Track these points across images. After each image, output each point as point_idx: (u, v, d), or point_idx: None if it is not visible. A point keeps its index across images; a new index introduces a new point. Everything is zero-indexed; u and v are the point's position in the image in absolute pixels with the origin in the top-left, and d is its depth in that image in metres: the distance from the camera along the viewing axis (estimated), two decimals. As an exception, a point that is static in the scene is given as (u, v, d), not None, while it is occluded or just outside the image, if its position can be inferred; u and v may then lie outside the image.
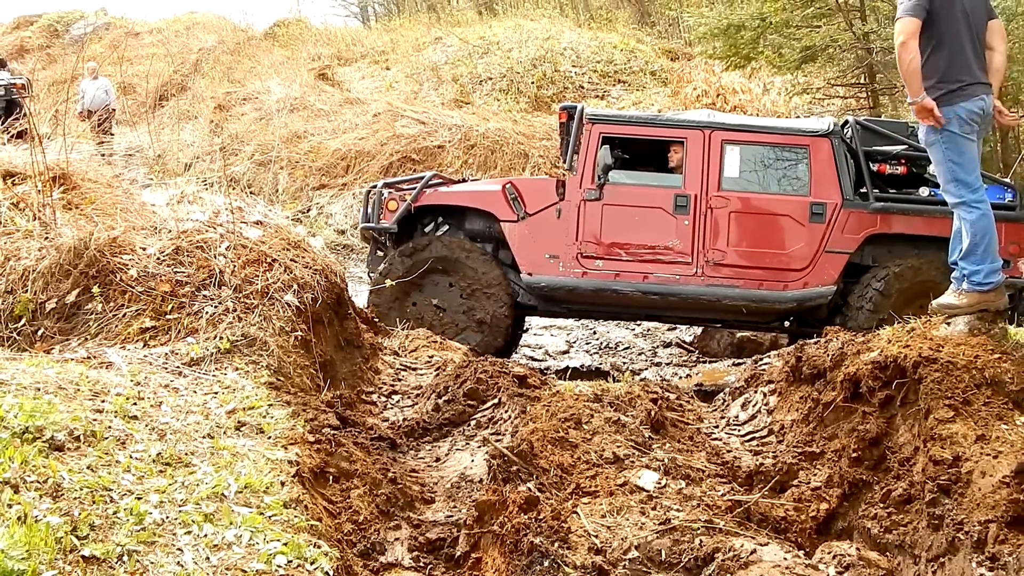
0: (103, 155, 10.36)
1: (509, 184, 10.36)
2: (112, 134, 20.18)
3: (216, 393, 5.66)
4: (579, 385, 7.29)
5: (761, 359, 8.30)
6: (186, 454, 4.73)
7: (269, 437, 5.23)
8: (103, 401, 5.03)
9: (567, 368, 10.64)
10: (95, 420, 4.73)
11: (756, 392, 7.23)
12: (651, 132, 10.28)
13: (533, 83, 20.87)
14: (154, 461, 4.55)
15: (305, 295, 6.80)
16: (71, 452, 4.40)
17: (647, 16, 28.77)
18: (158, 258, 6.69)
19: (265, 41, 29.69)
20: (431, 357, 8.42)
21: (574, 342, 11.98)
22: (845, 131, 10.14)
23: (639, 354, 12.10)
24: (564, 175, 10.34)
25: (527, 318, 11.30)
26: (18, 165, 7.75)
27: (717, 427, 6.99)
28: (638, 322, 12.41)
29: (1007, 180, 10.34)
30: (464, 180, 11.87)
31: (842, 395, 5.98)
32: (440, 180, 11.13)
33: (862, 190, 9.94)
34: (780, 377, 6.97)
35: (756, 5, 16.10)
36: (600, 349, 11.89)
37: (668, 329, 12.69)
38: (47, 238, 6.74)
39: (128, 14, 37.60)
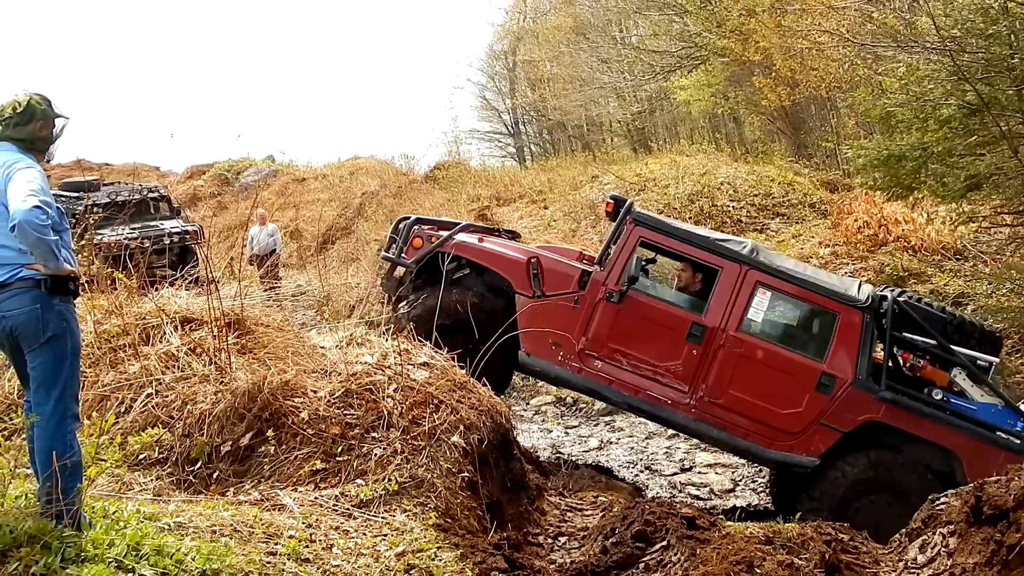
0: (273, 300, 10.65)
1: (535, 259, 10.07)
2: (279, 278, 20.81)
3: (385, 535, 5.70)
4: (749, 526, 7.12)
5: (937, 498, 7.99)
6: (357, 598, 4.76)
7: (438, 581, 5.24)
8: (276, 544, 5.12)
9: (734, 508, 10.40)
10: (269, 563, 4.80)
11: (934, 533, 6.93)
12: (689, 251, 9.91)
13: (691, 218, 20.84)
14: (327, 605, 4.60)
15: (471, 436, 6.85)
16: (246, 596, 4.47)
17: (804, 148, 28.67)
18: (328, 401, 6.83)
19: (426, 184, 30.48)
20: (596, 498, 8.34)
21: (739, 480, 11.71)
22: (883, 306, 9.69)
23: (808, 493, 11.73)
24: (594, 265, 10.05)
25: None
26: (195, 311, 8.03)
27: (895, 571, 6.73)
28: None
29: None
30: (498, 231, 11.70)
31: (1029, 537, 5.71)
32: (475, 228, 11.08)
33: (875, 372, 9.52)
34: (959, 517, 6.68)
35: (916, 135, 15.81)
36: (767, 487, 11.59)
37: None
38: (223, 382, 6.94)
39: (295, 160, 39.25)
